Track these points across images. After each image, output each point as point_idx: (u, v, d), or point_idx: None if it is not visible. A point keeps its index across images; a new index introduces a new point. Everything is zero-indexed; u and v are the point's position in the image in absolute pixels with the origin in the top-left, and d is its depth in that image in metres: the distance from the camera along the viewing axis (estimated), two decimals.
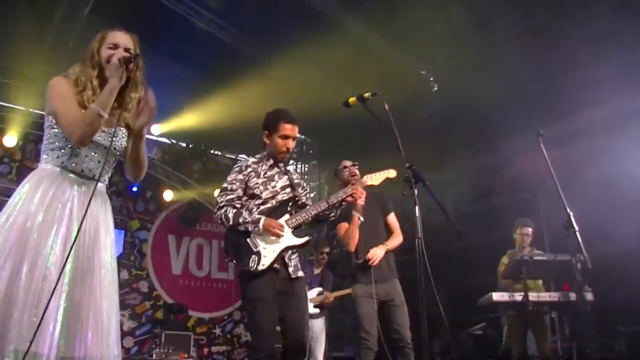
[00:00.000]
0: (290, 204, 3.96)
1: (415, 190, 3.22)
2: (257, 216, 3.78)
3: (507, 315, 6.50)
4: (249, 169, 3.95)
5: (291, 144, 4.01)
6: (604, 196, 7.18)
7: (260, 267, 3.70)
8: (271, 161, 4.03)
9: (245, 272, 3.75)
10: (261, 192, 3.89)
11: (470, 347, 8.69)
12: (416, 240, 3.10)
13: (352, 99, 3.59)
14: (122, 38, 2.77)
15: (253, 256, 3.72)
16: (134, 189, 10.66)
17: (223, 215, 3.83)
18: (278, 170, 4.04)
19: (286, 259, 3.83)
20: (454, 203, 9.94)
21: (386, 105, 3.36)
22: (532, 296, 5.72)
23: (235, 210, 3.83)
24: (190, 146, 10.97)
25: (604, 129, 7.63)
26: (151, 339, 9.88)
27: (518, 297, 5.80)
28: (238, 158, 11.73)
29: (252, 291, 3.72)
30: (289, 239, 3.82)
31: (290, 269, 3.83)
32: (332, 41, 7.55)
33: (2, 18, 7.67)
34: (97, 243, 2.67)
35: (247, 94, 8.80)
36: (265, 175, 3.96)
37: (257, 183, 3.91)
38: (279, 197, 3.94)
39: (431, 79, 8.62)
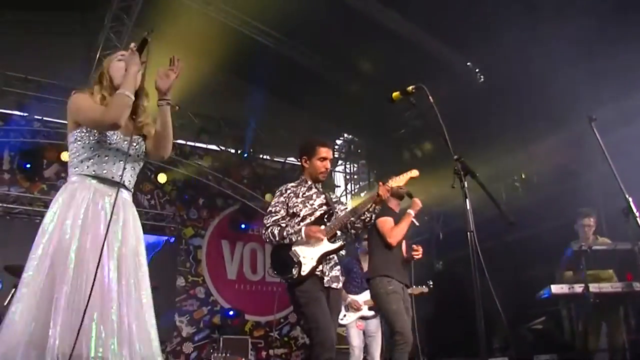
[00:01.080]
0: (326, 217, 4.24)
1: (465, 183, 3.16)
2: (299, 227, 4.12)
3: (581, 308, 6.26)
4: (289, 192, 4.31)
5: (328, 164, 4.38)
6: None
7: (302, 274, 3.99)
8: (309, 183, 4.36)
9: (290, 283, 4.05)
10: (300, 210, 4.21)
11: (530, 342, 8.49)
12: (468, 234, 3.02)
13: (395, 94, 3.54)
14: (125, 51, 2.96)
15: (295, 266, 4.02)
16: (186, 197, 10.84)
17: (270, 234, 4.15)
18: (316, 190, 4.36)
19: (323, 269, 4.09)
20: (506, 195, 9.75)
21: (430, 98, 3.29)
22: (593, 287, 5.51)
23: (280, 227, 4.15)
24: (239, 152, 11.07)
25: None
26: (209, 344, 10.03)
27: (578, 289, 5.59)
28: (287, 161, 11.83)
29: (302, 296, 3.98)
30: (325, 245, 4.11)
31: (325, 279, 4.07)
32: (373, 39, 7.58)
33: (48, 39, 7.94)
34: (139, 255, 2.80)
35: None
36: (304, 195, 4.29)
37: (296, 203, 4.24)
38: (317, 214, 4.24)
39: (477, 70, 8.49)
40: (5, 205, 9.45)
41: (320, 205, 4.30)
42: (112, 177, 2.78)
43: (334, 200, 4.48)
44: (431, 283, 6.32)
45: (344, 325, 6.94)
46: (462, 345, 8.28)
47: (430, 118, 3.21)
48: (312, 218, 4.21)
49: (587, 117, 4.35)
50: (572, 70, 7.13)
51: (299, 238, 4.07)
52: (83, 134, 2.80)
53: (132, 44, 2.82)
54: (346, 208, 4.52)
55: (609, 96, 7.18)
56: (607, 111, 6.78)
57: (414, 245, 5.36)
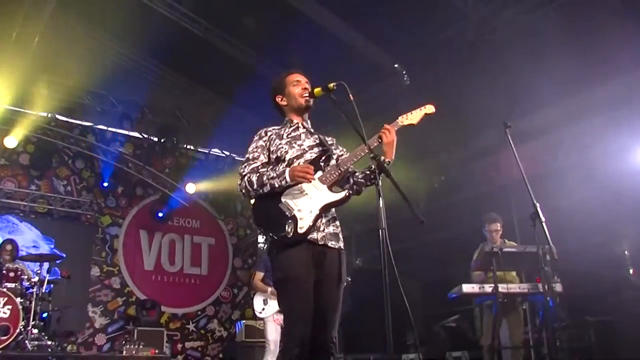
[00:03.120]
0: (322, 160, 3.45)
1: (379, 181, 3.19)
2: (281, 169, 3.34)
3: (483, 307, 6.57)
4: (270, 134, 3.54)
5: (306, 85, 3.59)
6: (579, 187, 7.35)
7: (300, 231, 3.20)
8: (295, 122, 3.60)
9: (277, 243, 3.29)
10: (286, 152, 3.42)
11: (444, 339, 8.78)
12: (380, 231, 3.05)
13: (317, 89, 3.52)
14: None
15: (289, 221, 3.22)
16: (105, 184, 10.53)
17: (247, 182, 3.35)
18: (305, 130, 3.59)
19: (319, 224, 3.29)
20: (427, 197, 10.00)
21: (351, 95, 3.29)
22: (502, 287, 5.77)
23: (258, 174, 3.36)
24: (162, 140, 10.84)
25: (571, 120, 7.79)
26: (123, 336, 9.80)
27: (488, 288, 5.85)
28: (211, 152, 11.72)
29: (282, 268, 3.25)
30: (325, 195, 3.32)
31: (320, 235, 3.28)
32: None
33: None
34: None
35: None
36: (290, 136, 3.52)
37: (280, 145, 3.46)
38: (307, 156, 3.43)
39: (404, 72, 8.63)
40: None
41: (312, 147, 3.50)
42: None
43: (329, 142, 3.61)
44: (349, 279, 6.41)
45: (262, 319, 6.96)
46: (376, 341, 8.46)
47: (348, 115, 3.22)
48: (302, 161, 3.40)
49: (503, 124, 4.53)
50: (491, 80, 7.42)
51: (283, 182, 3.26)
52: None
53: None
54: (345, 154, 3.59)
55: (526, 107, 7.53)
56: (523, 122, 7.12)
57: None
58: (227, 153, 11.87)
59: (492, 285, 5.81)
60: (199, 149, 11.68)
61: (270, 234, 3.31)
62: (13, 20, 8.00)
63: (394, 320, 2.90)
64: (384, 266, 2.93)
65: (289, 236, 3.19)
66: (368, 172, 3.42)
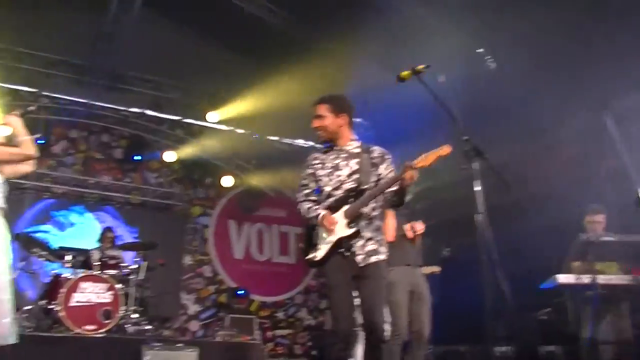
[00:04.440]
0: (353, 193, 3.73)
1: (475, 165, 3.09)
2: (318, 212, 3.76)
3: (578, 299, 6.21)
4: (316, 162, 3.89)
5: (316, 122, 3.84)
6: None
7: (315, 259, 3.77)
8: (337, 149, 3.86)
9: (308, 263, 3.87)
10: (325, 185, 3.81)
11: (535, 332, 8.47)
12: (477, 216, 2.95)
13: (405, 73, 3.44)
14: None
15: (313, 249, 3.79)
16: (194, 176, 10.83)
17: (300, 210, 3.88)
18: (346, 154, 3.83)
19: (353, 249, 3.68)
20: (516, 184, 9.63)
21: (441, 78, 3.22)
22: (602, 279, 5.43)
23: (309, 205, 3.85)
24: (248, 132, 11.00)
25: None
26: (216, 323, 10.08)
27: (585, 279, 5.50)
28: (294, 143, 11.77)
29: (326, 278, 3.79)
30: (341, 230, 3.69)
31: (360, 257, 3.67)
32: (380, 18, 7.42)
33: (60, 15, 7.89)
34: None
35: (302, 79, 8.76)
36: (332, 165, 3.82)
37: (321, 176, 3.83)
38: (346, 186, 3.77)
39: (487, 57, 8.35)
40: (14, 180, 9.43)
41: (350, 175, 3.77)
42: None
43: (373, 161, 3.81)
44: (440, 269, 6.28)
45: None
46: (466, 332, 8.26)
47: (438, 98, 3.13)
48: (340, 193, 3.75)
49: (602, 107, 4.27)
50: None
51: (316, 222, 3.74)
52: None
53: (15, 112, 3.82)
54: (389, 172, 3.82)
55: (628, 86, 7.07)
56: (624, 102, 6.69)
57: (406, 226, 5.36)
58: (311, 143, 11.90)
59: (590, 276, 5.48)
60: (283, 140, 11.76)
61: (304, 256, 3.87)
62: (103, 18, 8.34)
63: (484, 311, 2.81)
64: (485, 253, 2.85)
65: (311, 261, 3.79)
66: (396, 204, 3.81)
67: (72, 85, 9.15)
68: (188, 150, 10.66)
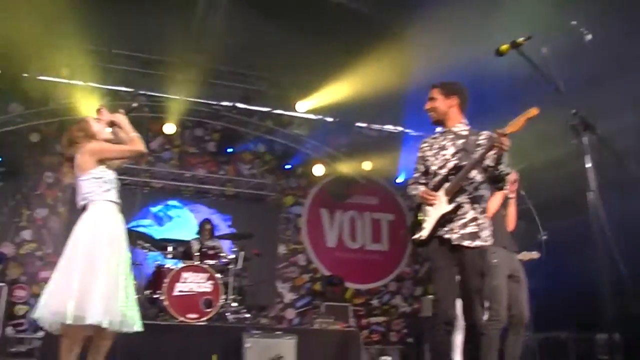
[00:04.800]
0: (454, 171, 3.83)
1: (585, 139, 2.94)
2: (418, 189, 3.98)
3: None
4: (424, 145, 4.10)
5: (427, 104, 4.07)
6: None
7: (421, 238, 3.88)
8: (445, 131, 4.04)
9: (414, 244, 3.99)
10: (432, 165, 3.97)
11: None
12: (589, 194, 2.80)
13: (504, 47, 3.33)
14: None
15: (419, 228, 3.91)
16: (287, 166, 10.97)
17: (408, 192, 4.12)
18: (453, 135, 3.97)
19: (452, 227, 3.78)
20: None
21: (544, 49, 3.07)
22: None
23: (414, 186, 4.06)
24: (337, 120, 11.01)
25: None
26: (312, 310, 10.19)
27: None
28: (384, 129, 11.67)
29: (430, 261, 3.94)
30: (443, 207, 3.80)
31: (455, 236, 3.76)
32: None
33: (152, 15, 8.14)
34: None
35: (389, 64, 8.64)
36: (439, 146, 4.00)
37: (429, 157, 4.01)
38: (450, 165, 3.87)
39: (582, 29, 7.91)
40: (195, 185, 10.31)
41: (454, 154, 3.88)
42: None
43: (478, 142, 3.86)
44: (539, 255, 6.04)
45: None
46: (568, 318, 7.94)
47: (540, 71, 2.98)
48: (444, 171, 3.87)
49: None
50: None
51: (419, 200, 3.95)
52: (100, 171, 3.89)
53: (121, 110, 4.12)
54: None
55: None
56: None
57: None
58: (400, 129, 11.77)
59: None
60: (372, 126, 11.69)
61: (410, 237, 4.03)
62: (193, 16, 8.53)
63: (586, 296, 2.65)
64: (599, 233, 2.71)
65: (417, 240, 3.93)
66: (495, 175, 3.76)
67: (166, 83, 9.44)
68: (279, 141, 10.80)
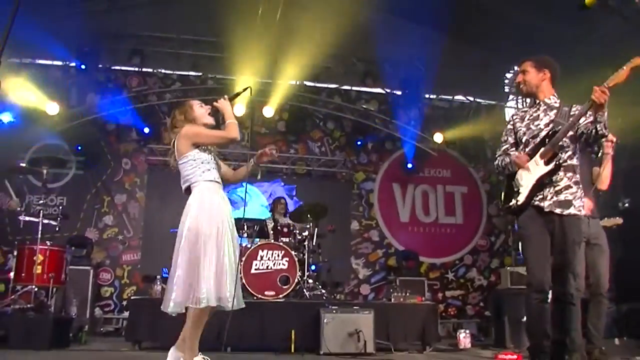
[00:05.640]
0: (548, 138, 3.83)
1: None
2: (508, 160, 4.00)
3: None
4: (515, 117, 4.13)
5: (519, 77, 4.05)
6: None
7: (518, 203, 3.87)
8: (537, 103, 4.03)
9: (509, 211, 4.01)
10: (523, 134, 3.98)
11: None
12: None
13: (589, 0, 3.21)
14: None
15: (515, 195, 3.91)
16: (355, 142, 10.93)
17: (496, 165, 4.14)
18: (545, 107, 3.98)
19: (545, 194, 3.79)
20: None
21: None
22: None
23: (504, 156, 4.07)
24: (406, 92, 10.87)
25: None
26: (386, 285, 10.19)
27: None
28: (455, 99, 11.46)
29: (519, 232, 4.01)
30: (540, 169, 3.81)
31: (547, 203, 3.77)
32: None
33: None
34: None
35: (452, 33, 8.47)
36: (531, 117, 4.01)
37: (520, 127, 4.03)
38: (542, 134, 3.89)
39: None
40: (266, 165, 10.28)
41: (548, 124, 3.89)
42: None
43: (572, 113, 3.82)
44: (620, 222, 5.78)
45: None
46: None
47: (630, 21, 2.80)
48: (537, 140, 3.89)
49: None
50: None
51: (513, 168, 3.95)
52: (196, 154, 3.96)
53: (225, 96, 4.17)
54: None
55: None
56: None
57: None
58: (472, 98, 11.52)
59: None
60: (441, 97, 11.48)
61: (503, 206, 4.08)
62: None
63: None
64: None
65: (512, 207, 3.92)
66: (590, 133, 3.65)
67: (234, 65, 9.54)
68: (348, 116, 10.76)
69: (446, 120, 11.05)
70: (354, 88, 10.98)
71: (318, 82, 10.65)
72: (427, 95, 11.26)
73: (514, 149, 4.05)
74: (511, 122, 4.13)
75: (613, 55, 3.89)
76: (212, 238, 3.72)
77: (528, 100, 4.12)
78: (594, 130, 3.61)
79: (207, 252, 3.67)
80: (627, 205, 10.40)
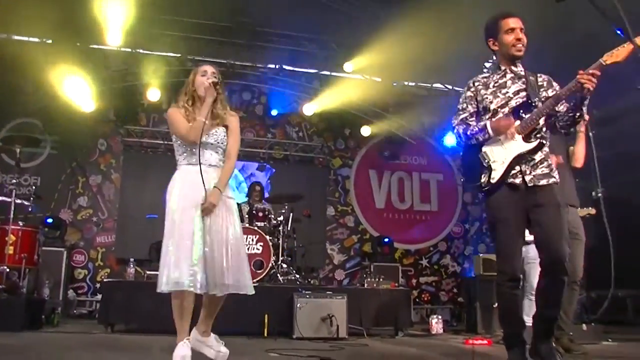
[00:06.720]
0: (522, 110, 3.52)
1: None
2: (483, 123, 3.57)
3: None
4: (477, 84, 3.70)
5: (520, 34, 3.55)
6: None
7: (492, 181, 3.50)
8: (503, 68, 3.65)
9: (478, 189, 3.62)
10: (490, 102, 3.59)
11: None
12: None
13: None
14: (209, 68, 3.94)
15: (484, 171, 3.54)
16: (333, 128, 10.95)
17: (457, 134, 3.69)
18: (512, 75, 3.62)
19: (522, 168, 3.47)
20: None
21: None
22: None
23: (466, 125, 3.65)
24: (384, 80, 10.87)
25: None
26: (361, 271, 10.27)
27: None
28: (433, 87, 11.47)
29: (490, 213, 3.59)
30: (519, 145, 3.47)
31: (528, 177, 3.45)
32: None
33: None
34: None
35: (434, 22, 8.42)
36: (496, 85, 3.63)
37: (485, 95, 3.63)
38: (512, 103, 3.56)
39: None
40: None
41: (517, 92, 3.57)
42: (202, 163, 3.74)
43: (540, 83, 3.59)
44: (593, 210, 5.88)
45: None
46: (624, 276, 7.76)
47: (607, 16, 2.77)
48: (506, 110, 3.55)
49: None
50: None
51: (486, 136, 3.53)
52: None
53: (211, 81, 3.78)
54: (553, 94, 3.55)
55: None
56: None
57: None
58: (450, 87, 11.56)
59: None
60: (419, 84, 11.50)
61: (468, 184, 3.67)
62: None
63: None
64: None
65: (483, 186, 3.53)
66: (571, 114, 3.41)
67: (214, 47, 9.47)
68: (326, 102, 10.75)
69: (422, 108, 11.05)
70: (333, 73, 10.95)
71: (296, 66, 10.61)
72: (406, 82, 11.23)
73: (473, 118, 3.67)
74: (472, 89, 3.70)
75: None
76: (176, 224, 3.62)
77: (487, 64, 3.88)
78: (576, 116, 3.39)
79: (173, 236, 3.60)
80: (600, 195, 10.56)
